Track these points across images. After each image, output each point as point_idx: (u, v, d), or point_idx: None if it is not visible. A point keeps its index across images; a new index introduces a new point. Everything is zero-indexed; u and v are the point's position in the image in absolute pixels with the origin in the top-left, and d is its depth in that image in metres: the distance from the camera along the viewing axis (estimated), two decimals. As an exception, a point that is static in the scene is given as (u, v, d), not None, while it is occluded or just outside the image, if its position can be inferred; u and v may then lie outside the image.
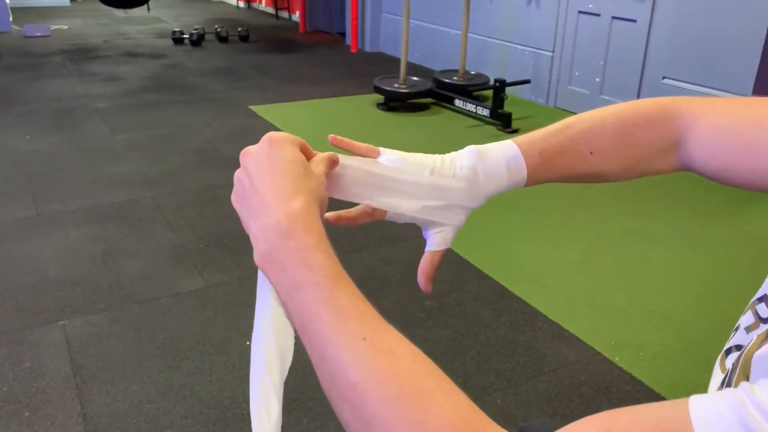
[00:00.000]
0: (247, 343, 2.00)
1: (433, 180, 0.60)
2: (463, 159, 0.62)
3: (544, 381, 1.88)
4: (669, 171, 0.65)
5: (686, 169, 0.65)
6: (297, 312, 0.47)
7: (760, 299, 0.52)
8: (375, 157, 0.62)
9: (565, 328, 2.12)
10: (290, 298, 0.47)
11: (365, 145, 0.63)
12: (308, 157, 0.57)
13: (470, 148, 0.63)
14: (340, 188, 0.59)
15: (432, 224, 0.62)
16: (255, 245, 0.50)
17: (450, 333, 2.08)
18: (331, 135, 0.63)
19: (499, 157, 0.62)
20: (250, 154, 0.54)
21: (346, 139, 0.62)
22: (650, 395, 1.82)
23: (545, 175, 0.64)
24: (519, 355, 1.98)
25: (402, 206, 0.60)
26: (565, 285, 2.40)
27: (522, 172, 0.63)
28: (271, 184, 0.51)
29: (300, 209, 0.49)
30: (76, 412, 1.72)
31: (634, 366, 1.94)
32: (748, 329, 0.51)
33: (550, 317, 2.17)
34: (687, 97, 0.65)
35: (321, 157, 0.57)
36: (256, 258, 0.50)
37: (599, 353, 2.00)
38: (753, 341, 0.49)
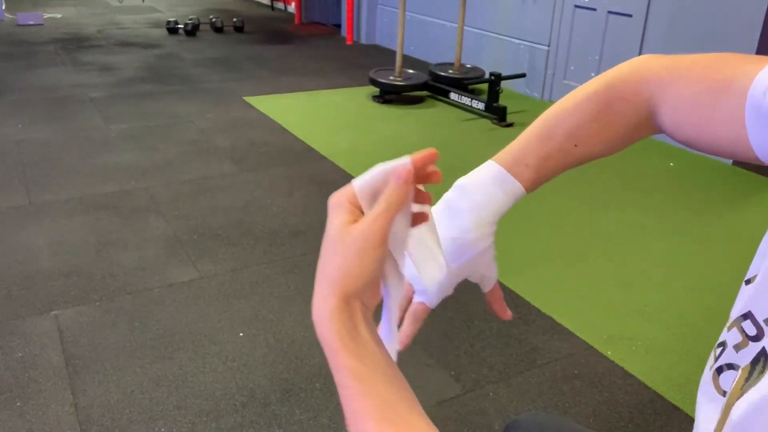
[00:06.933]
0: (241, 334, 2.00)
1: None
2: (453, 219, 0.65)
3: (536, 374, 1.89)
4: (653, 134, 0.67)
5: (664, 133, 0.67)
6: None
7: (745, 316, 0.51)
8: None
9: (558, 321, 2.13)
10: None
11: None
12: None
13: (447, 199, 0.66)
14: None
15: (471, 274, 0.67)
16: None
17: (444, 326, 2.08)
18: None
19: (486, 189, 0.65)
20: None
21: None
22: (642, 389, 1.83)
23: (540, 181, 0.66)
24: (512, 348, 1.99)
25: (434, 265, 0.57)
26: (558, 279, 2.41)
27: (516, 190, 0.65)
28: (318, 270, 0.48)
29: (330, 314, 0.46)
30: (68, 402, 1.72)
31: (627, 360, 1.95)
32: (737, 347, 0.51)
33: (543, 311, 2.18)
34: (652, 57, 0.65)
35: (380, 207, 0.47)
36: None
37: (591, 347, 2.01)
38: (735, 382, 0.49)
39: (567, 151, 0.65)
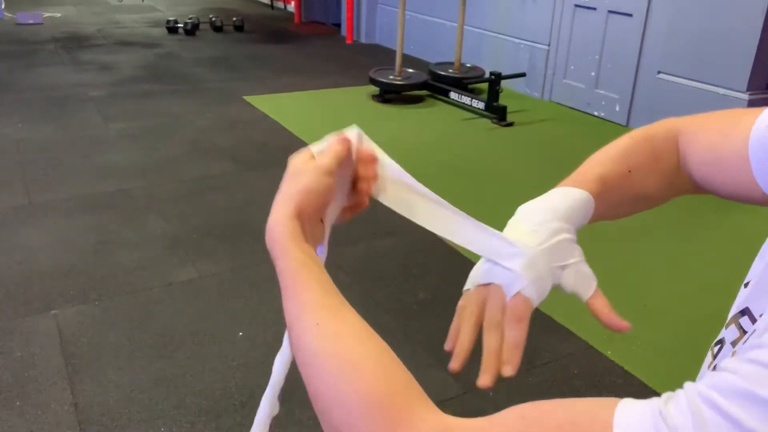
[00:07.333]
0: (240, 333, 2.00)
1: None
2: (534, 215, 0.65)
3: (536, 374, 1.89)
4: (691, 188, 0.69)
5: (696, 186, 0.69)
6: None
7: (743, 312, 0.51)
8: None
9: (558, 321, 2.13)
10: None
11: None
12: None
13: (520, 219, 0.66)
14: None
15: (563, 269, 0.64)
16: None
17: (443, 325, 2.06)
18: None
19: (563, 196, 0.65)
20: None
21: None
22: (642, 388, 1.83)
23: (605, 192, 0.66)
24: (511, 348, 1.99)
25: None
26: (558, 278, 2.41)
27: (584, 197, 0.64)
28: (276, 197, 0.57)
29: (285, 220, 0.54)
30: (68, 401, 1.72)
31: (626, 359, 1.95)
32: (734, 344, 0.51)
33: (543, 310, 2.18)
34: (678, 118, 0.69)
35: (326, 150, 0.60)
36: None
37: (591, 347, 2.01)
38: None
39: (623, 174, 0.67)
